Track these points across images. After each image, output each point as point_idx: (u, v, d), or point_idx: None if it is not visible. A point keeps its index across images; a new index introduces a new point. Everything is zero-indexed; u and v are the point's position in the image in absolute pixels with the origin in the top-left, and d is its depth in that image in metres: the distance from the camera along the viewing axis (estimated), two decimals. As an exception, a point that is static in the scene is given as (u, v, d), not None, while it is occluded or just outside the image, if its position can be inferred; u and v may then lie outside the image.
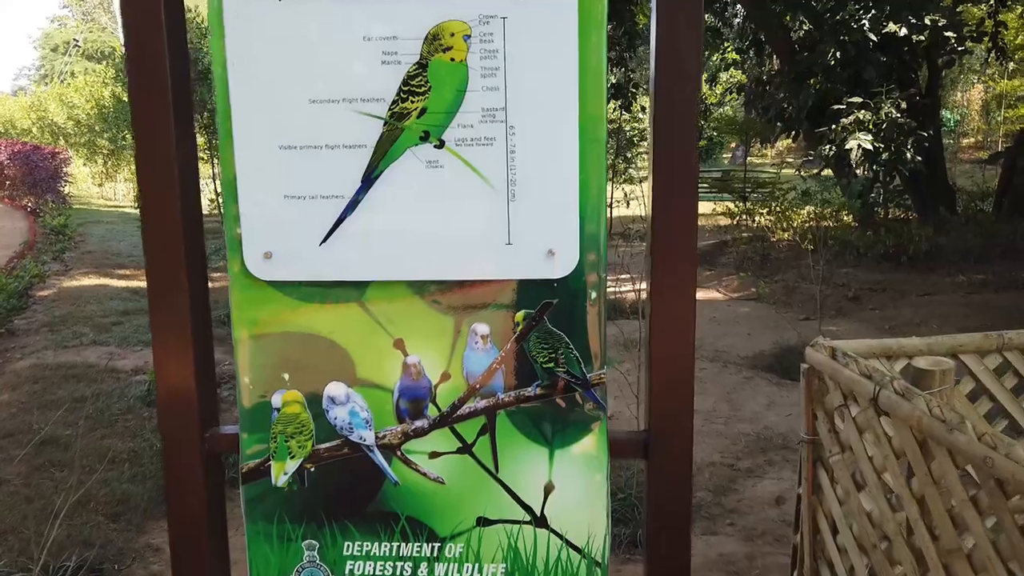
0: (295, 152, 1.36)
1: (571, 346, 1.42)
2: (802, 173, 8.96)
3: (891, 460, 1.47)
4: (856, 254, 7.60)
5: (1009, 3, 10.01)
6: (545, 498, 1.45)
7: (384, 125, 1.35)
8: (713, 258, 9.19)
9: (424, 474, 1.46)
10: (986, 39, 9.08)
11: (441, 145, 1.36)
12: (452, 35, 1.33)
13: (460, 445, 1.45)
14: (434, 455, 1.46)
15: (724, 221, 10.71)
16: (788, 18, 8.88)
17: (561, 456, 1.45)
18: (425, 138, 1.35)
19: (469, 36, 1.33)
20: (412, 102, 1.34)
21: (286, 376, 1.44)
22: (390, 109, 1.34)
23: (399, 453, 1.46)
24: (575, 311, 1.41)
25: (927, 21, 7.51)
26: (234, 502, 1.57)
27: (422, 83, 1.34)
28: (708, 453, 3.50)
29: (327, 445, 1.46)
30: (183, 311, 1.45)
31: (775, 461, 3.43)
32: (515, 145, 1.35)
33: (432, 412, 1.44)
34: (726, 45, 10.91)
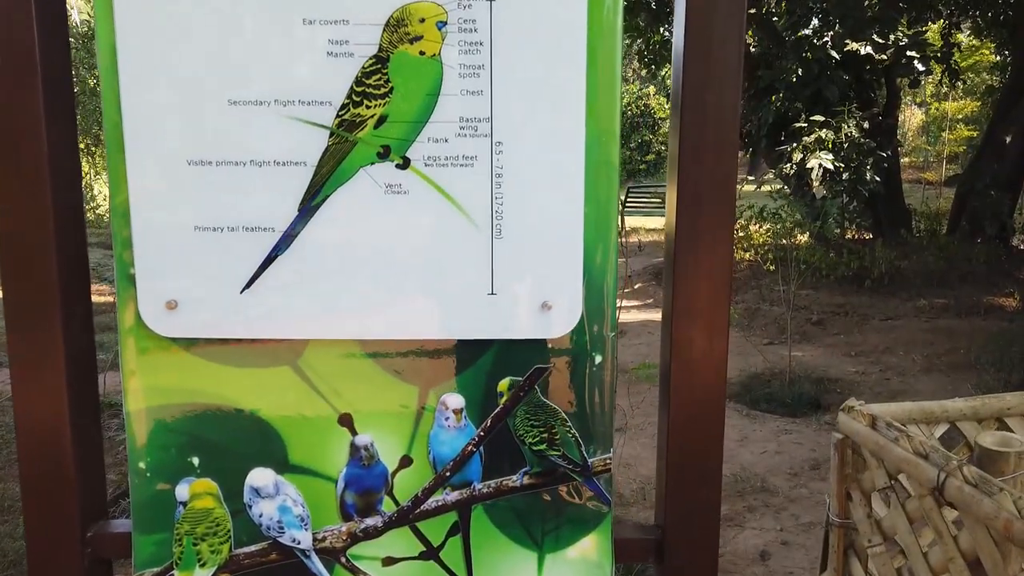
0: (209, 169, 1.02)
1: (568, 423, 1.11)
2: (771, 191, 8.86)
3: (957, 563, 1.19)
4: (818, 276, 7.48)
5: (960, 24, 10.13)
6: (532, 617, 1.14)
7: (330, 136, 1.02)
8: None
9: (376, 586, 1.13)
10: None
11: (405, 164, 1.03)
12: (422, 21, 1.02)
13: (424, 549, 1.13)
14: (389, 561, 1.13)
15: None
16: (749, 34, 8.77)
17: (554, 562, 1.14)
18: (384, 155, 1.03)
19: (444, 23, 1.02)
20: (367, 107, 1.02)
21: (195, 461, 1.10)
22: (338, 116, 1.02)
23: (344, 559, 1.13)
24: (575, 379, 1.10)
25: (891, 40, 7.47)
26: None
27: (381, 83, 1.02)
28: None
29: (250, 549, 1.12)
30: (54, 351, 1.09)
31: (755, 507, 3.17)
32: (502, 166, 1.04)
33: (388, 507, 1.12)
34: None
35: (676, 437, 1.13)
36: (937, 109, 19.52)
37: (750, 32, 8.82)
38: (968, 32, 11.27)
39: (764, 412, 4.47)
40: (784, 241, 8.18)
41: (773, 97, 7.97)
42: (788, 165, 7.89)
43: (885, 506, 1.36)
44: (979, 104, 17.21)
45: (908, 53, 7.59)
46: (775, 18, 8.61)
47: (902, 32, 7.81)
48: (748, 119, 8.55)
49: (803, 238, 8.77)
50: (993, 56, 14.06)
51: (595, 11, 1.02)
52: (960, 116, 18.45)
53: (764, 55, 8.40)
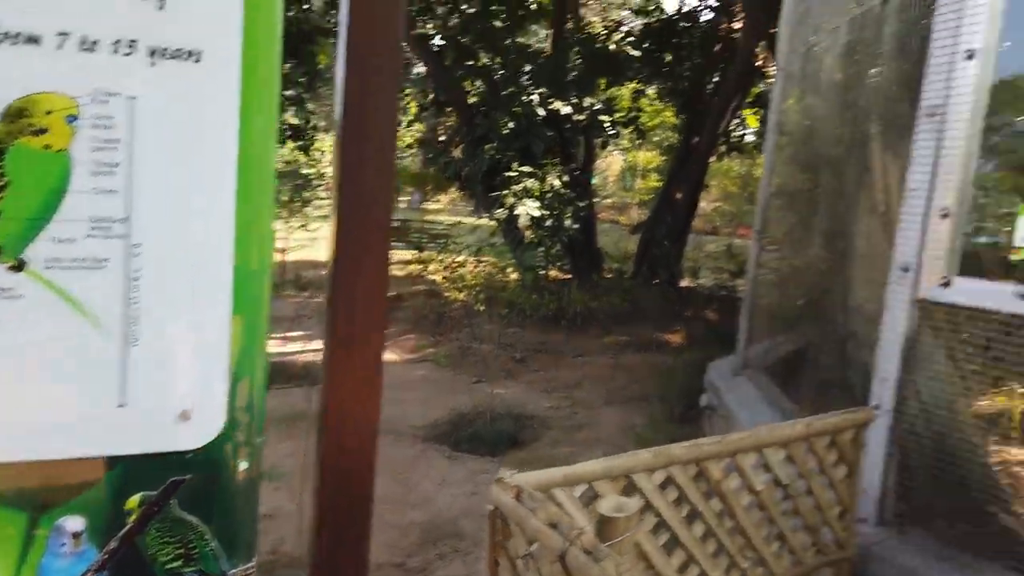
0: None
1: (206, 536, 1.07)
2: (490, 226, 9.37)
3: (581, 626, 1.35)
4: (523, 315, 8.03)
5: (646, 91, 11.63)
6: None
7: (-78, 234, 0.90)
8: (388, 313, 9.11)
9: None
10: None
11: (20, 267, 0.95)
12: (48, 113, 0.94)
13: None
14: None
15: (399, 273, 10.74)
16: (470, 82, 9.26)
17: None
18: (-7, 255, 0.94)
19: (75, 118, 0.95)
20: (-26, 202, 0.92)
21: None
22: (-66, 211, 0.91)
23: None
24: (217, 488, 1.07)
25: (586, 103, 8.33)
26: None
27: (-7, 176, 0.93)
28: (377, 551, 3.24)
29: None
30: None
31: (445, 554, 3.30)
32: (140, 269, 0.99)
33: (-9, 644, 0.99)
34: (407, 100, 11.12)
35: (328, 464, 1.15)
36: (632, 158, 22.03)
37: (469, 80, 9.34)
38: (654, 96, 12.91)
39: (465, 452, 4.66)
40: (500, 277, 8.71)
41: (487, 146, 8.47)
42: (500, 210, 8.42)
43: (526, 572, 1.50)
44: (664, 158, 19.77)
45: (599, 117, 8.53)
46: (498, 72, 9.16)
47: (600, 96, 8.76)
48: (467, 163, 9.01)
49: (515, 276, 9.40)
50: (674, 118, 16.27)
51: (248, 112, 1.02)
52: (651, 166, 21.01)
53: (482, 105, 8.93)
